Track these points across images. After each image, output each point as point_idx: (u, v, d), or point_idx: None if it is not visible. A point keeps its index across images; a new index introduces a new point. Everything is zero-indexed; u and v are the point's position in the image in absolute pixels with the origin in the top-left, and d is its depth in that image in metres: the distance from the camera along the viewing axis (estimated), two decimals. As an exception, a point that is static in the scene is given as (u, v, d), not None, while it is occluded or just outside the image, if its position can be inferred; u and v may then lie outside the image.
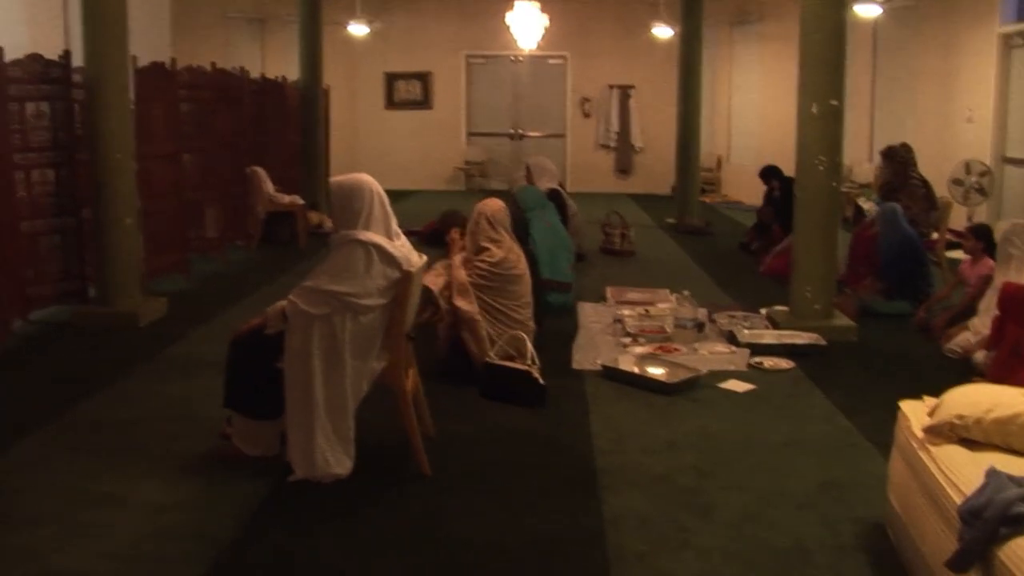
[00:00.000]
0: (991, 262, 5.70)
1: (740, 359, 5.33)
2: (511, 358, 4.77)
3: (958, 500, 2.48)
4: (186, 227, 7.80)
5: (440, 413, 4.21)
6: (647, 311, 6.26)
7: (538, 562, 3.04)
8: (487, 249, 5.04)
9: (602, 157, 16.36)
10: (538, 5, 10.71)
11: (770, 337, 5.72)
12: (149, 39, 9.60)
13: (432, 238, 8.64)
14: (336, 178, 3.66)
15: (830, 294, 6.09)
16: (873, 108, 12.46)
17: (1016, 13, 9.62)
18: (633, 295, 6.98)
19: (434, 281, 5.03)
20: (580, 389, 4.86)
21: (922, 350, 5.71)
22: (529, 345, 4.77)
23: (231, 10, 14.53)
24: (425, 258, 3.82)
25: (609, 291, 7.12)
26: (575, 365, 5.28)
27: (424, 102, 16.36)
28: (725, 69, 15.32)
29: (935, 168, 9.04)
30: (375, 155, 15.74)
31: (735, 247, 9.71)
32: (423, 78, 16.29)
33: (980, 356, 5.05)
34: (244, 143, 9.10)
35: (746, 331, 5.81)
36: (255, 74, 10.13)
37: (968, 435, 2.80)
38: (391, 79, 16.30)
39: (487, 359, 4.74)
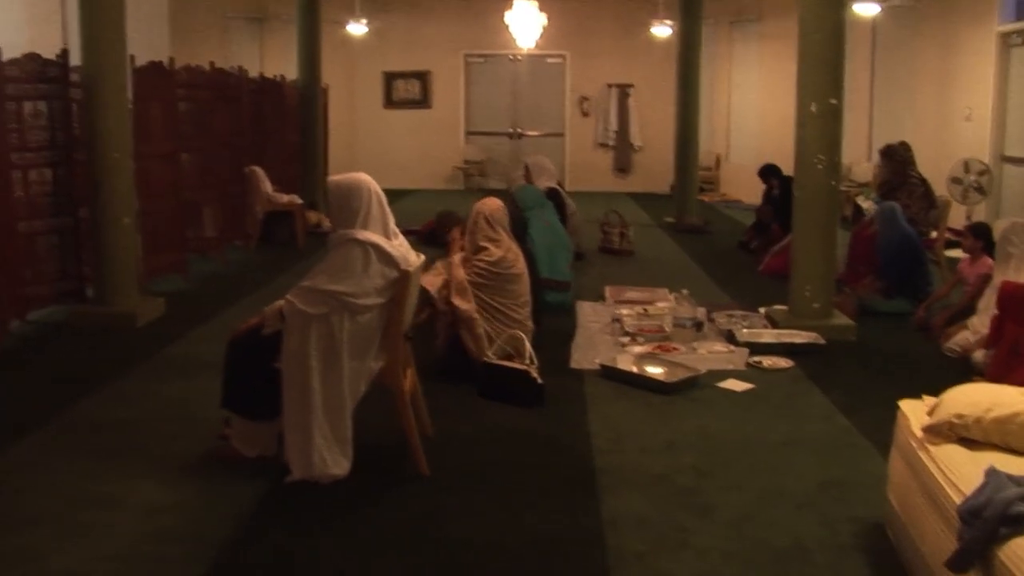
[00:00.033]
0: (990, 261, 5.70)
1: (739, 358, 5.32)
2: (509, 357, 4.76)
3: (957, 499, 2.48)
4: (184, 227, 7.79)
5: (439, 413, 4.20)
6: (646, 310, 6.25)
7: (537, 562, 3.04)
8: (485, 248, 5.03)
9: (601, 156, 16.36)
10: (536, 4, 10.69)
11: (769, 336, 5.72)
12: (147, 38, 9.58)
13: (430, 238, 8.64)
14: (334, 177, 3.65)
15: (829, 293, 6.09)
16: (872, 107, 12.46)
17: (1015, 12, 9.62)
18: (632, 294, 6.97)
19: (432, 281, 5.02)
20: (579, 389, 4.85)
21: (921, 349, 5.71)
22: (527, 344, 4.76)
23: (230, 9, 14.51)
24: (423, 257, 3.81)
25: (608, 290, 7.11)
26: (573, 364, 5.28)
27: (423, 101, 16.35)
28: (724, 68, 15.32)
29: (934, 167, 9.03)
30: (374, 154, 15.74)
31: (734, 246, 9.71)
32: (422, 77, 16.28)
33: (979, 355, 5.05)
34: (242, 143, 9.10)
35: (745, 330, 5.81)
36: (254, 73, 10.12)
37: (967, 434, 2.79)
38: (390, 78, 16.30)
39: (485, 359, 4.73)
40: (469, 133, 16.51)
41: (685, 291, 6.24)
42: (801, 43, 5.94)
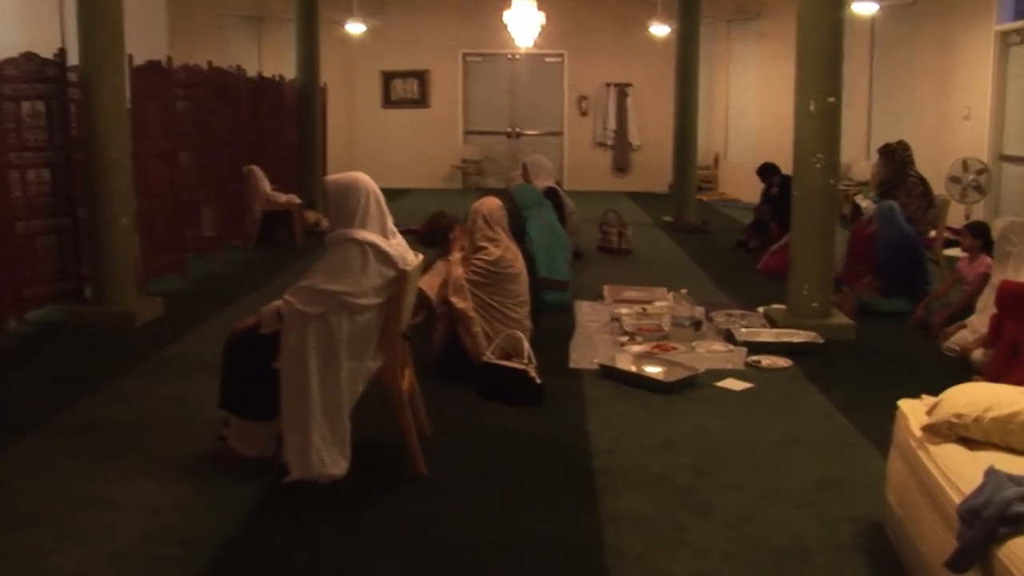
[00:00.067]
0: (989, 260, 5.70)
1: (737, 358, 5.32)
2: (508, 357, 4.76)
3: (957, 499, 2.47)
4: (183, 226, 7.79)
5: (437, 412, 4.20)
6: (644, 310, 6.25)
7: (536, 562, 3.03)
8: (484, 248, 5.03)
9: (599, 155, 16.35)
10: (535, 3, 10.69)
11: (768, 335, 5.72)
12: (145, 38, 9.56)
13: (428, 238, 8.61)
14: (332, 177, 3.65)
15: (828, 292, 6.08)
16: (871, 106, 12.46)
17: (1013, 11, 9.63)
18: (630, 293, 6.97)
19: (431, 283, 5.02)
20: (577, 388, 4.85)
21: (920, 348, 5.70)
22: (526, 344, 4.76)
23: (228, 8, 14.50)
24: (421, 256, 3.80)
25: (606, 289, 7.11)
26: (572, 364, 5.27)
27: (421, 100, 16.35)
28: (722, 67, 15.31)
29: (933, 166, 9.03)
30: (372, 153, 15.73)
31: (732, 245, 9.71)
32: (420, 76, 16.28)
33: (978, 354, 5.05)
34: (241, 142, 9.09)
35: (743, 329, 5.81)
36: (252, 72, 10.11)
37: (967, 434, 2.79)
38: (388, 77, 16.29)
39: (484, 358, 4.73)
40: (467, 132, 16.51)
41: (684, 290, 6.23)
42: (800, 42, 5.93)
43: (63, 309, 6.28)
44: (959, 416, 2.79)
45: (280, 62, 13.00)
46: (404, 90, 16.33)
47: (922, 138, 10.01)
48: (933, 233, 7.88)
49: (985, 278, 5.56)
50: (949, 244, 8.13)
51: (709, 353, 5.40)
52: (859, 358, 5.50)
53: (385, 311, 3.58)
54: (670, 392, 4.75)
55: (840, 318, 6.06)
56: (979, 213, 9.26)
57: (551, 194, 7.90)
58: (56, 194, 6.25)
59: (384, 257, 3.52)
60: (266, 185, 9.34)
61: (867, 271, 6.93)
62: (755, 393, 4.83)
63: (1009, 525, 2.24)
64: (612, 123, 16.10)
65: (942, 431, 2.82)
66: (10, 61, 5.86)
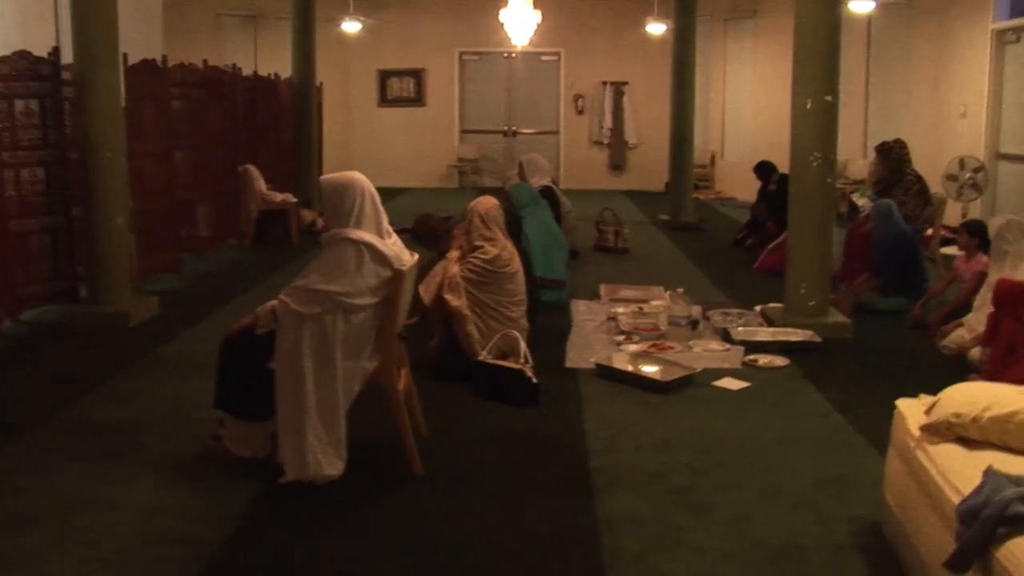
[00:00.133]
0: (985, 258, 5.70)
1: (734, 357, 5.31)
2: (504, 357, 4.75)
3: (955, 499, 2.47)
4: (178, 226, 7.76)
5: (434, 412, 4.18)
6: (641, 308, 6.25)
7: (535, 561, 3.02)
8: (481, 247, 5.02)
9: (596, 154, 16.35)
10: (531, 1, 10.67)
11: (765, 334, 5.72)
12: (140, 36, 9.55)
13: (416, 240, 8.57)
14: (327, 176, 3.64)
15: (825, 291, 6.08)
16: (867, 104, 12.46)
17: (1009, 9, 9.63)
18: (627, 292, 6.96)
19: (426, 285, 4.99)
20: (574, 388, 4.84)
21: (917, 347, 5.70)
22: (522, 343, 4.75)
23: (223, 7, 14.48)
24: (416, 256, 3.79)
25: (603, 288, 7.10)
26: (568, 363, 5.26)
27: (417, 99, 16.33)
28: (719, 65, 15.30)
29: (929, 164, 9.04)
30: (368, 152, 15.71)
31: (729, 244, 9.70)
32: (416, 75, 16.26)
33: (975, 353, 5.04)
34: (236, 141, 9.07)
35: (740, 328, 5.80)
36: (247, 71, 10.09)
37: (965, 433, 2.78)
38: (384, 76, 16.27)
39: (480, 358, 4.71)
40: (463, 131, 16.49)
41: (680, 289, 6.22)
42: (796, 40, 5.93)
43: (58, 309, 6.26)
44: (957, 415, 2.78)
45: (276, 61, 12.97)
46: (400, 89, 16.32)
47: (919, 136, 10.01)
48: (930, 231, 7.88)
49: (982, 276, 5.55)
50: (946, 242, 8.13)
51: (706, 352, 5.39)
52: (856, 357, 5.49)
53: (381, 311, 3.56)
54: (667, 391, 4.75)
55: (837, 317, 6.05)
56: (976, 211, 9.26)
57: (547, 193, 7.89)
58: (50, 193, 6.23)
59: (380, 257, 3.51)
60: (262, 184, 9.32)
61: (864, 269, 6.93)
62: (752, 392, 4.82)
63: (1008, 525, 2.23)
64: (608, 122, 16.09)
65: (940, 430, 2.81)
66: (3, 59, 5.84)
